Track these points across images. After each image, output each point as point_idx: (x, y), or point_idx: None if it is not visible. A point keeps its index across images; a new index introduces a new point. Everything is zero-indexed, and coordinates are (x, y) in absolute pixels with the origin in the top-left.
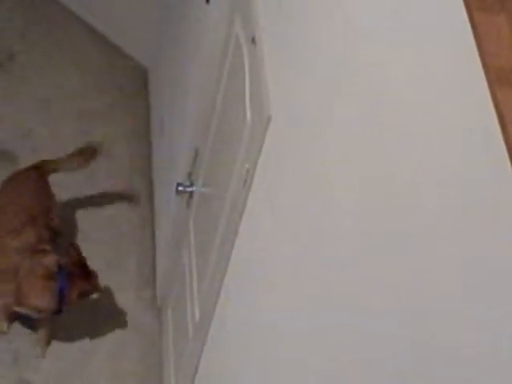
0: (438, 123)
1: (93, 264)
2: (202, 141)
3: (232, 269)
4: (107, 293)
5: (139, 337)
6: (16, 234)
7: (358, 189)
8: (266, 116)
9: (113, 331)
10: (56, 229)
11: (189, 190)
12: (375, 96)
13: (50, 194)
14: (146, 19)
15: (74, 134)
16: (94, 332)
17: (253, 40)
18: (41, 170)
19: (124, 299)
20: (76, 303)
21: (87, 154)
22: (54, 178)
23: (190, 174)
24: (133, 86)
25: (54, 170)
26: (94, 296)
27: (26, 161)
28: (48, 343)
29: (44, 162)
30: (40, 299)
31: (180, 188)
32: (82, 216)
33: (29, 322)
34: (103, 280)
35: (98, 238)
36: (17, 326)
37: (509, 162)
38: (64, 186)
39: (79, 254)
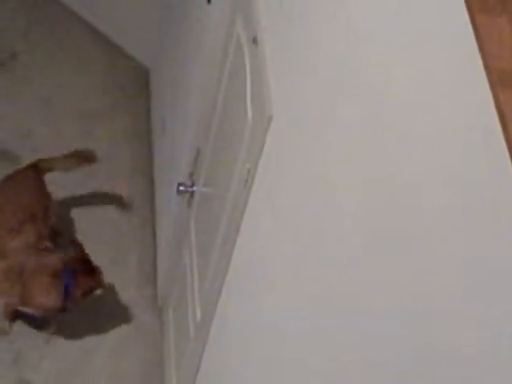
0: (440, 124)
1: None
2: (204, 141)
3: (233, 268)
4: (108, 292)
5: (140, 337)
6: (16, 234)
7: (360, 189)
8: (267, 116)
9: (114, 331)
10: (55, 227)
11: (190, 189)
12: (377, 96)
13: (47, 192)
14: (148, 19)
15: (75, 133)
16: (95, 332)
17: (254, 40)
18: (37, 169)
19: (125, 299)
20: (81, 300)
21: (82, 156)
22: (54, 178)
23: (191, 174)
24: (134, 86)
25: (50, 169)
26: (98, 292)
27: (27, 160)
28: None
29: (40, 160)
30: (46, 298)
31: (181, 188)
32: (83, 215)
33: (34, 322)
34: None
35: (99, 238)
36: (18, 327)
37: (510, 162)
38: (65, 185)
39: (82, 250)
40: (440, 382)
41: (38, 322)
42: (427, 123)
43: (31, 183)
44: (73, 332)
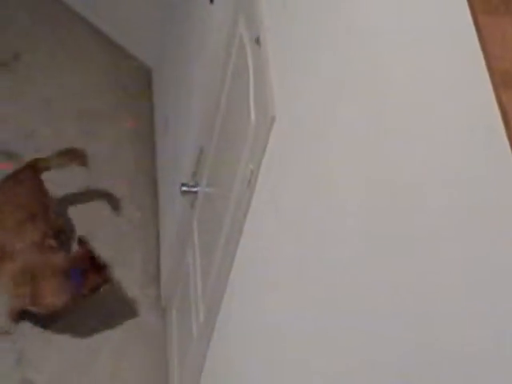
0: (442, 125)
1: None
2: (207, 141)
3: (236, 269)
4: (112, 292)
5: (144, 337)
6: (19, 235)
7: (362, 189)
8: (270, 116)
9: (117, 331)
10: (57, 225)
11: (193, 190)
12: (379, 97)
13: (46, 191)
14: (150, 19)
15: (78, 134)
16: (98, 332)
17: (257, 40)
18: (35, 169)
19: (129, 299)
20: (89, 297)
21: (74, 154)
22: (57, 177)
23: (194, 174)
24: (137, 86)
25: (47, 168)
26: (105, 287)
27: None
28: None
29: (37, 160)
30: (56, 297)
31: (184, 188)
32: (85, 216)
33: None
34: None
35: (102, 238)
36: (21, 327)
37: None
38: (67, 185)
39: (88, 247)
40: (443, 382)
41: (43, 321)
42: (430, 124)
43: (30, 183)
44: (76, 332)
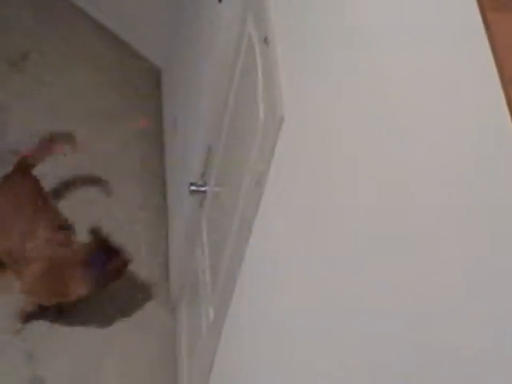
0: (451, 124)
1: None
2: (215, 141)
3: (246, 268)
4: (121, 292)
5: (153, 336)
6: (30, 235)
7: (369, 190)
8: (278, 116)
9: (127, 330)
10: (60, 219)
11: (202, 189)
12: (387, 97)
13: (41, 187)
14: (159, 20)
15: (87, 133)
16: (108, 331)
17: (265, 40)
18: (25, 166)
19: (138, 298)
20: (113, 282)
21: (60, 139)
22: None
23: (202, 174)
24: (146, 86)
25: (36, 163)
26: (127, 270)
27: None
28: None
29: (24, 158)
30: (81, 288)
31: (193, 187)
32: (93, 216)
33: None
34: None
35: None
36: (31, 325)
37: None
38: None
39: (101, 234)
40: (444, 383)
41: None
42: (438, 123)
43: (24, 183)
44: (86, 330)
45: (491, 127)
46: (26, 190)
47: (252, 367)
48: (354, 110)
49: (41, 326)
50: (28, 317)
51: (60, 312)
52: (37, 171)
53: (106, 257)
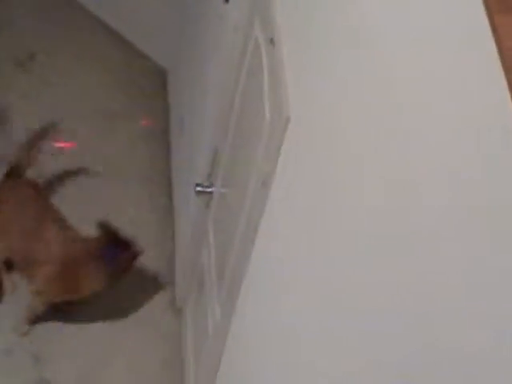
0: (457, 125)
1: None
2: (221, 141)
3: (251, 269)
4: (128, 292)
5: (159, 337)
6: (37, 237)
7: (374, 190)
8: (284, 117)
9: (133, 331)
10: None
11: (208, 190)
12: (393, 97)
13: (38, 188)
14: (165, 20)
15: (93, 133)
16: (115, 332)
17: (271, 41)
18: (17, 170)
19: (144, 299)
20: (126, 273)
21: (41, 134)
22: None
23: (209, 175)
24: (152, 86)
25: (29, 165)
26: (138, 260)
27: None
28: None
29: (15, 163)
30: (95, 283)
31: (199, 188)
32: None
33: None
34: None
35: None
36: (38, 327)
37: None
38: (81, 186)
39: (110, 227)
40: (446, 382)
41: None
42: (444, 124)
43: (21, 186)
44: (93, 332)
45: (497, 128)
46: (25, 193)
47: (258, 367)
48: (359, 110)
49: (48, 328)
50: (36, 319)
51: (67, 312)
52: (38, 172)
53: (116, 249)
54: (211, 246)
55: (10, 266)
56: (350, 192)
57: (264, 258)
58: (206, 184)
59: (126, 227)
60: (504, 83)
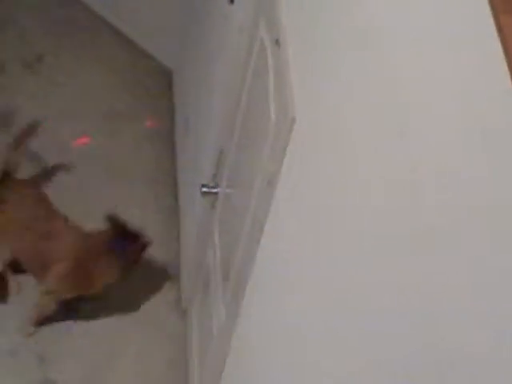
0: (463, 125)
1: None
2: (227, 142)
3: (257, 269)
4: (133, 292)
5: (164, 338)
6: (46, 236)
7: (378, 190)
8: (290, 117)
9: (138, 332)
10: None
11: (213, 191)
12: (398, 98)
13: (36, 187)
14: (171, 21)
15: (100, 134)
16: (120, 333)
17: (277, 41)
18: (7, 174)
19: (149, 303)
20: (136, 264)
21: (25, 134)
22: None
23: (214, 176)
24: (157, 86)
25: (17, 168)
26: (147, 252)
27: (53, 161)
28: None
29: (5, 168)
30: (108, 275)
31: (204, 189)
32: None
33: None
34: (128, 281)
35: None
36: (43, 327)
37: None
38: (88, 187)
39: (118, 220)
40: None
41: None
42: (448, 124)
43: (18, 187)
44: (98, 332)
45: (502, 129)
46: (25, 193)
47: (263, 367)
48: (364, 111)
49: (52, 329)
50: (45, 320)
51: (79, 310)
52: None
53: (125, 242)
54: (216, 246)
55: (16, 267)
56: (355, 192)
57: (269, 258)
58: (211, 185)
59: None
60: (509, 84)
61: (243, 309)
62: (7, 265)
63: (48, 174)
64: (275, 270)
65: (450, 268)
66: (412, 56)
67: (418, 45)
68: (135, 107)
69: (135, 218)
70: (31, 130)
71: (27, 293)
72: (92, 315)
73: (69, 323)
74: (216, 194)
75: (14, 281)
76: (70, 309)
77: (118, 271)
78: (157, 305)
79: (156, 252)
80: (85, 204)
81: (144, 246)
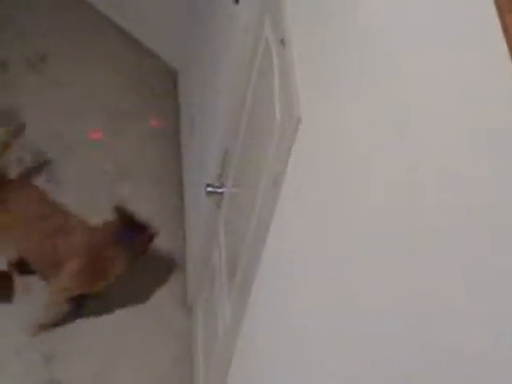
0: (467, 125)
1: None
2: (232, 142)
3: (262, 269)
4: (139, 291)
5: (170, 336)
6: (54, 234)
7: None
8: (295, 117)
9: (144, 330)
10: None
11: (218, 190)
12: (403, 97)
13: (34, 186)
14: (176, 21)
15: (104, 134)
16: (126, 331)
17: (282, 41)
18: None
19: (155, 299)
20: (143, 255)
21: (13, 132)
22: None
23: (220, 175)
24: (162, 86)
25: (6, 167)
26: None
27: (58, 161)
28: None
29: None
30: (117, 266)
31: (210, 189)
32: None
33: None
34: (134, 281)
35: None
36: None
37: None
38: (93, 189)
39: (126, 211)
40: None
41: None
42: (452, 124)
43: (20, 188)
44: (103, 331)
45: (505, 130)
46: (26, 193)
47: (269, 367)
48: (370, 110)
49: (58, 329)
50: (56, 323)
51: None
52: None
53: (132, 232)
54: (222, 246)
55: (24, 267)
56: (359, 192)
57: (275, 258)
58: (216, 184)
59: None
60: None
61: (249, 308)
62: (13, 264)
63: (36, 169)
64: (280, 270)
65: (450, 268)
66: (416, 56)
67: (423, 45)
68: (140, 107)
69: (140, 217)
70: (18, 131)
71: (35, 294)
72: (97, 311)
73: (83, 319)
74: (221, 193)
75: (20, 281)
76: (81, 306)
77: (125, 262)
78: (162, 302)
79: (161, 252)
80: (90, 202)
81: (151, 237)
